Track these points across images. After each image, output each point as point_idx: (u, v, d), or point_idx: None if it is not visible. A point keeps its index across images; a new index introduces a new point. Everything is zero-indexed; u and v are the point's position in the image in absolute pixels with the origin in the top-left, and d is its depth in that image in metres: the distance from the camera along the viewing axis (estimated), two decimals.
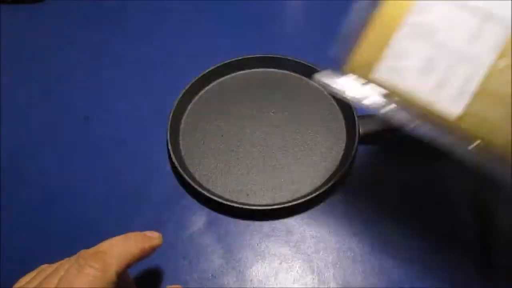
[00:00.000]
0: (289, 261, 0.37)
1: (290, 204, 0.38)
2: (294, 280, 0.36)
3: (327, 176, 0.41)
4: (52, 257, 0.38)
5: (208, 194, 0.38)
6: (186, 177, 0.39)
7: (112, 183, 0.42)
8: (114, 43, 0.54)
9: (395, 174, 0.42)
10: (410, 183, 0.41)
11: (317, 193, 0.38)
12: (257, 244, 0.38)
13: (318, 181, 0.41)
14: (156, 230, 0.38)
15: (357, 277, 0.36)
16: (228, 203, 0.38)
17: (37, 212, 0.40)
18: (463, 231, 0.38)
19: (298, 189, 0.40)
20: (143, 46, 0.54)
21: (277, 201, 0.39)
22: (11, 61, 0.53)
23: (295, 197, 0.39)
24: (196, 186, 0.39)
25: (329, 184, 0.39)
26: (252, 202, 0.39)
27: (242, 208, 0.38)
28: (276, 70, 0.49)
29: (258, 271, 0.36)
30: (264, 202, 0.39)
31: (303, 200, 0.38)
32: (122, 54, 0.53)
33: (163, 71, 0.51)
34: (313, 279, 0.36)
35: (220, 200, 0.38)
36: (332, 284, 0.36)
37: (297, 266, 0.37)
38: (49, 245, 0.38)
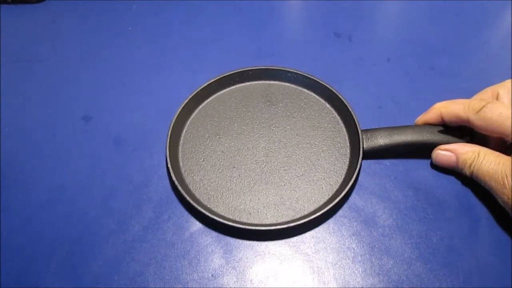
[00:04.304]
0: (289, 261, 0.37)
1: (294, 224, 0.36)
2: (294, 280, 0.36)
3: (331, 193, 0.39)
4: (52, 257, 0.38)
5: (210, 215, 0.37)
6: (187, 197, 0.38)
7: (112, 183, 0.42)
8: (114, 44, 0.54)
9: (399, 189, 0.41)
10: (414, 196, 0.40)
11: (321, 212, 0.37)
12: (257, 244, 0.38)
13: (322, 199, 0.39)
14: (156, 230, 0.39)
15: (357, 277, 0.36)
16: (231, 223, 0.37)
17: (37, 212, 0.40)
18: (464, 232, 0.38)
19: (302, 207, 0.39)
20: (143, 46, 0.54)
21: (280, 220, 0.38)
22: (11, 61, 0.53)
23: (298, 215, 0.38)
24: (198, 207, 0.37)
25: (334, 203, 0.37)
26: (254, 222, 0.38)
27: (244, 229, 0.37)
28: (277, 82, 0.48)
29: (258, 271, 0.36)
30: (266, 221, 0.38)
31: (306, 220, 0.36)
32: (121, 55, 0.53)
33: (163, 73, 0.51)
34: (313, 279, 0.36)
35: (222, 221, 0.37)
36: (332, 284, 0.36)
37: (297, 266, 0.37)
38: (49, 245, 0.38)
